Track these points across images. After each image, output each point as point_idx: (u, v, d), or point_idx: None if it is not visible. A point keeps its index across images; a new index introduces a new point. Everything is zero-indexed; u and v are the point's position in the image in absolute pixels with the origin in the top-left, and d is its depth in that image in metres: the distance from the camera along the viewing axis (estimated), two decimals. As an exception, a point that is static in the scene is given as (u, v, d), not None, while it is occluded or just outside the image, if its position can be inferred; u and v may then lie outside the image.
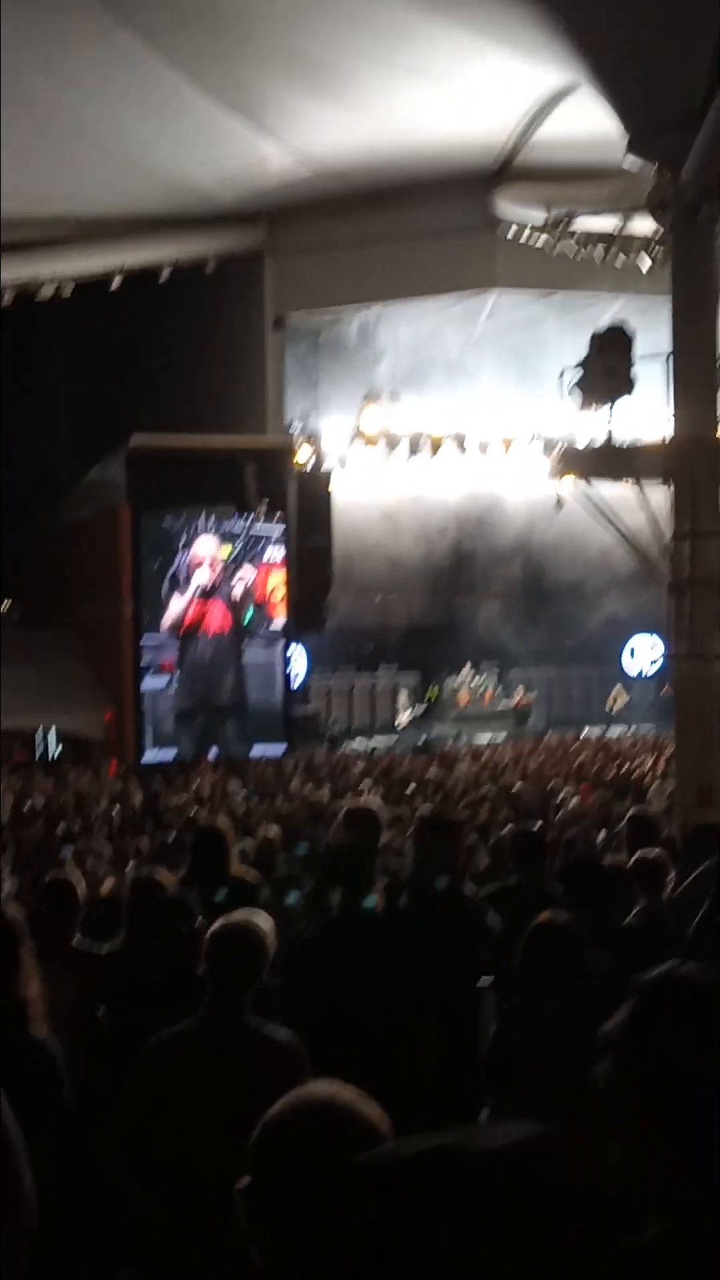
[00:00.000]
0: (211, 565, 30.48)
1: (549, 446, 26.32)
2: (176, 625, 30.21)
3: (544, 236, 29.53)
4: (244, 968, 4.43)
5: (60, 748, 31.40)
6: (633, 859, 6.90)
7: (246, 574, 31.07)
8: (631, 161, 17.72)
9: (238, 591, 30.84)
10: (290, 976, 5.66)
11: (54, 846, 13.72)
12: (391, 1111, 5.03)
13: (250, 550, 31.17)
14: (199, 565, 30.40)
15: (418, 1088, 5.29)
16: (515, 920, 5.78)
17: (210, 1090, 4.23)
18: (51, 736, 31.72)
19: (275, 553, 31.57)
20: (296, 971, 5.61)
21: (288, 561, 31.75)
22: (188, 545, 30.43)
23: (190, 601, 30.28)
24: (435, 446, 35.55)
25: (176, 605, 30.16)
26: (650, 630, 36.76)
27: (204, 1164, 4.17)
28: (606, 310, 31.58)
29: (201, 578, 30.36)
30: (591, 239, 28.13)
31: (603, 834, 13.26)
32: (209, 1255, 4.12)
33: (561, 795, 18.10)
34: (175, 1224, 4.29)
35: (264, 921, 4.59)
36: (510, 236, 30.83)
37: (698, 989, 2.30)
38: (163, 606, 30.13)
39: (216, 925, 4.54)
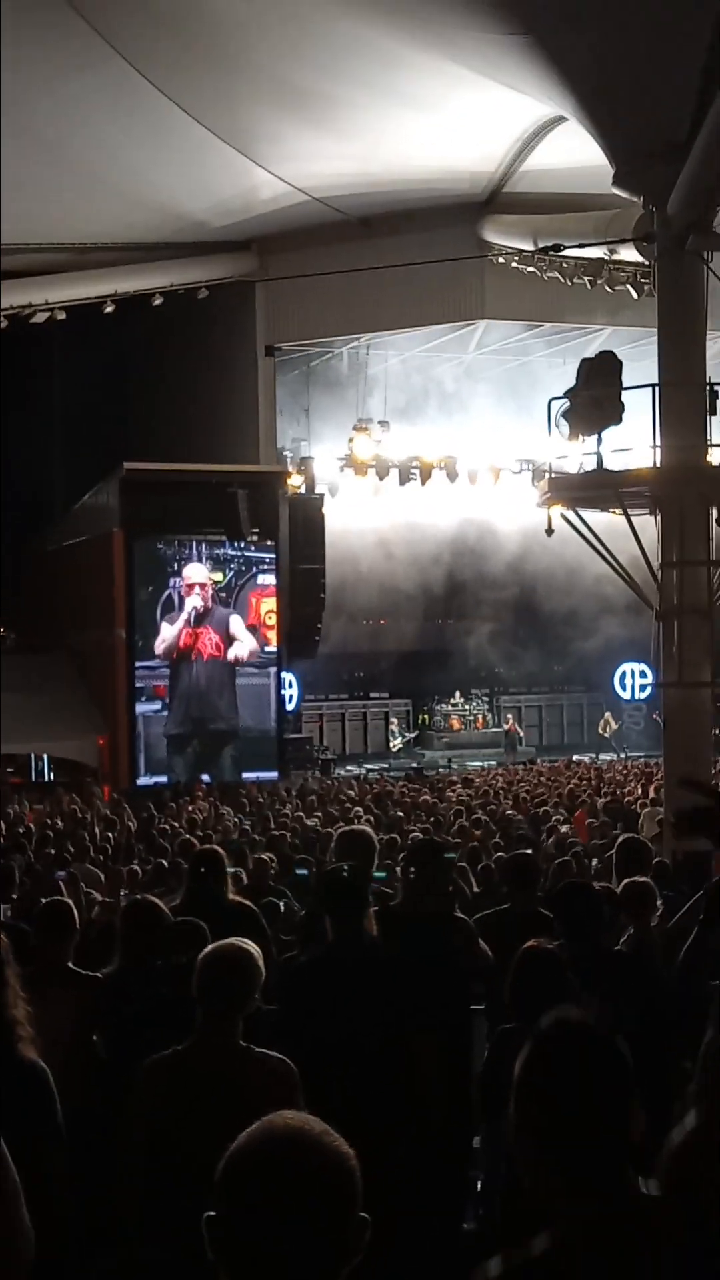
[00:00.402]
0: (204, 591, 30.55)
1: (538, 474, 26.42)
2: (169, 651, 30.26)
3: (532, 266, 29.73)
4: (235, 992, 4.44)
5: (54, 773, 31.41)
6: (621, 885, 6.98)
7: (240, 600, 31.15)
8: (618, 193, 17.92)
9: (229, 618, 30.90)
10: (286, 1001, 5.73)
11: (47, 871, 13.75)
12: (388, 1136, 5.12)
13: (243, 576, 31.26)
14: (192, 591, 30.48)
15: (413, 1113, 5.36)
16: (506, 946, 5.86)
17: (203, 1113, 4.27)
18: (45, 761, 31.74)
19: (268, 578, 31.66)
20: (292, 996, 5.68)
21: (279, 588, 31.83)
22: (180, 571, 30.51)
23: (183, 627, 30.34)
24: (426, 474, 35.72)
25: (169, 631, 30.22)
26: (640, 658, 36.85)
27: (196, 1188, 4.22)
28: (595, 339, 31.86)
29: (194, 603, 30.43)
30: (579, 269, 28.32)
31: (595, 861, 13.33)
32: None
33: (552, 821, 18.15)
34: (169, 1250, 4.33)
35: (252, 946, 4.64)
36: (499, 265, 31.04)
37: (580, 1034, 2.56)
38: (156, 632, 30.20)
39: (206, 950, 4.58)
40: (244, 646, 31.03)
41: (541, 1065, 2.53)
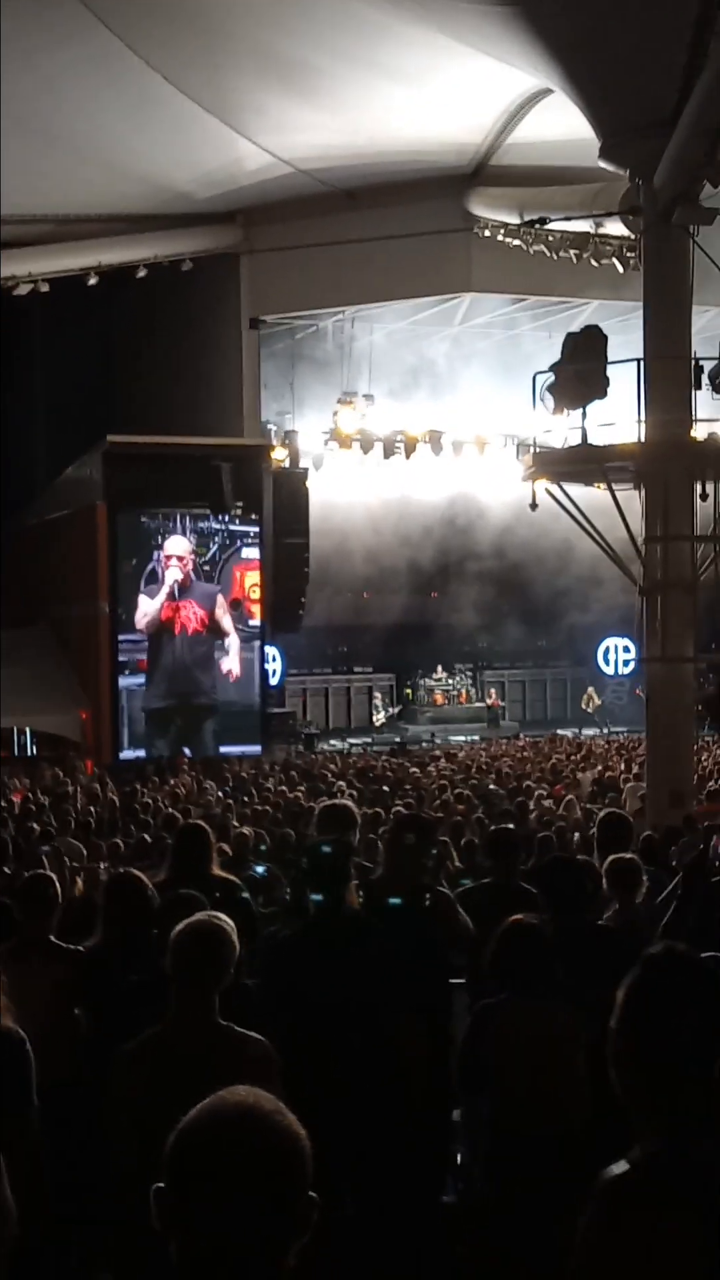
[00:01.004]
0: (183, 563, 30.47)
1: (523, 449, 26.39)
2: (150, 624, 30.21)
3: (518, 239, 29.65)
4: (211, 968, 4.40)
5: (36, 747, 31.38)
6: (606, 862, 6.98)
7: (224, 574, 31.13)
8: (605, 166, 17.86)
9: (210, 595, 30.86)
10: (267, 975, 5.73)
11: (29, 845, 13.74)
12: (369, 1109, 5.13)
13: (227, 550, 31.20)
14: (171, 563, 30.40)
15: (394, 1085, 5.37)
16: (488, 920, 5.87)
17: (183, 1097, 4.26)
18: (28, 736, 31.70)
19: (252, 552, 31.61)
20: (274, 970, 5.68)
21: (263, 562, 31.78)
22: (164, 544, 30.44)
23: (163, 600, 30.28)
24: (411, 448, 35.66)
25: (149, 605, 30.16)
26: (623, 633, 36.91)
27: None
28: (580, 313, 31.79)
29: (175, 576, 30.37)
30: (565, 243, 28.25)
31: (577, 836, 13.36)
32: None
33: (535, 796, 18.20)
34: (148, 1231, 4.32)
35: (226, 920, 4.61)
36: (485, 238, 30.96)
37: (692, 965, 2.76)
38: (138, 605, 30.15)
39: (182, 926, 4.54)
40: (228, 629, 31.04)
41: (653, 996, 2.70)
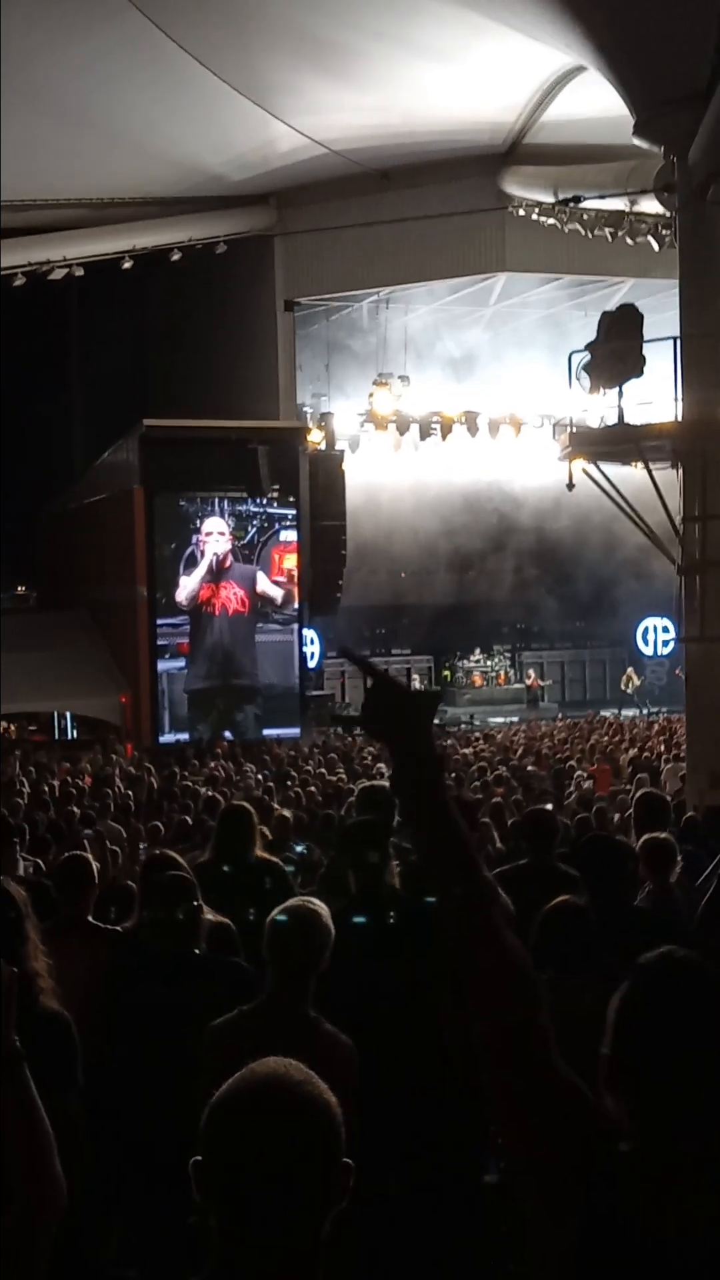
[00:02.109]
0: (222, 539, 30.57)
1: (559, 429, 26.31)
2: (191, 599, 30.34)
3: (552, 218, 29.50)
4: (306, 955, 4.42)
5: (77, 730, 31.55)
6: (640, 841, 6.95)
7: (263, 556, 31.24)
8: (639, 143, 17.74)
9: (252, 574, 30.97)
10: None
11: (70, 828, 13.81)
12: (412, 1090, 5.13)
13: (265, 533, 31.27)
14: (213, 547, 30.50)
15: (437, 1065, 5.38)
16: (526, 902, 5.86)
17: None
18: (69, 719, 31.87)
19: (290, 535, 31.66)
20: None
21: (300, 544, 31.81)
22: (202, 527, 30.54)
23: (204, 583, 30.39)
24: (446, 429, 35.57)
25: (189, 582, 30.28)
26: (663, 613, 36.76)
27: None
28: (616, 291, 31.61)
29: (214, 549, 30.47)
30: (600, 221, 28.08)
31: (616, 816, 13.33)
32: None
33: (575, 777, 18.17)
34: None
35: (321, 906, 4.62)
36: (519, 218, 30.83)
37: (690, 971, 2.38)
38: (178, 588, 30.27)
39: (278, 912, 4.56)
40: (274, 594, 31.13)
41: (643, 1006, 2.33)
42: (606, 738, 25.32)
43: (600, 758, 21.16)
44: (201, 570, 30.37)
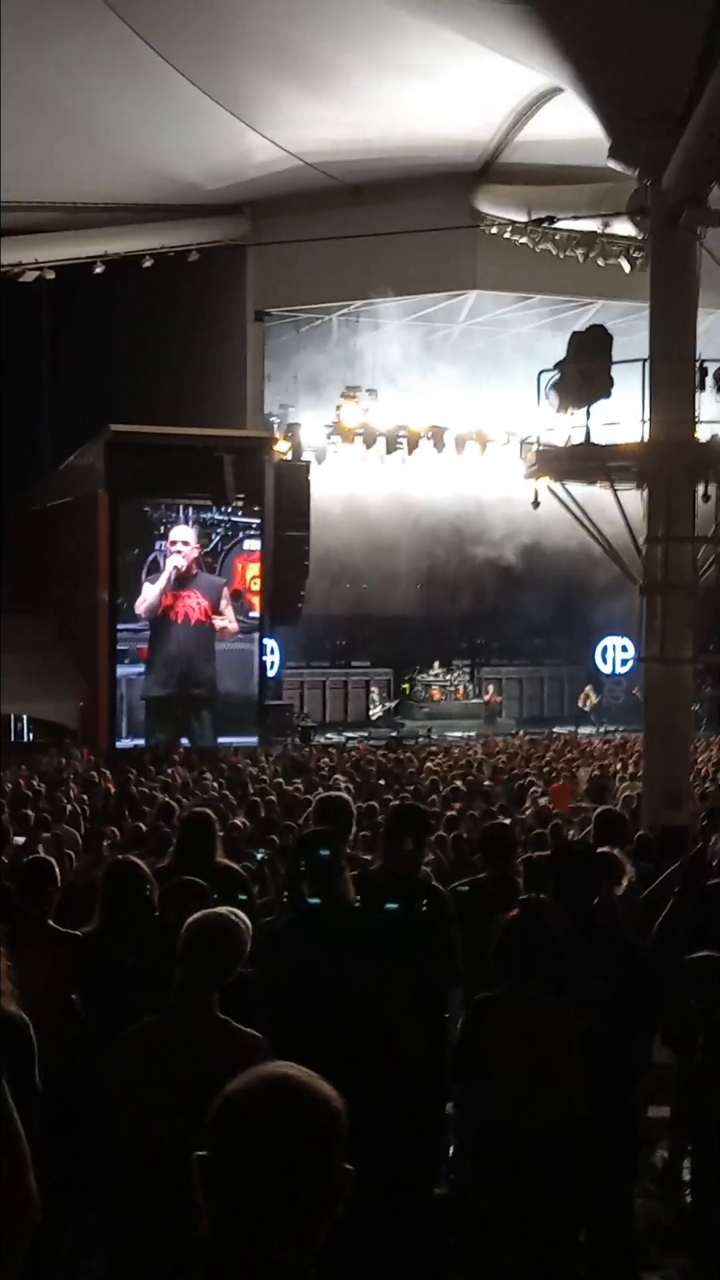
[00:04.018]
0: (189, 554, 30.56)
1: (526, 447, 26.41)
2: (150, 610, 30.31)
3: (525, 238, 29.66)
4: (220, 962, 4.44)
5: (33, 734, 31.40)
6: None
7: (225, 566, 31.24)
8: (614, 165, 17.85)
9: (216, 585, 30.97)
10: (261, 963, 5.75)
11: (28, 832, 13.75)
12: (362, 1098, 5.14)
13: (229, 541, 31.27)
14: (176, 554, 30.49)
15: (388, 1076, 5.39)
16: (482, 916, 5.89)
17: (175, 1082, 4.29)
18: (24, 721, 31.71)
19: (253, 544, 31.68)
20: (267, 958, 5.70)
21: (263, 554, 31.82)
22: (166, 534, 30.51)
23: (166, 590, 30.36)
24: (413, 443, 35.66)
25: (150, 591, 30.25)
26: (622, 632, 36.96)
27: (169, 1157, 4.24)
28: (586, 313, 31.80)
29: (176, 563, 30.45)
30: (572, 242, 28.24)
31: (572, 833, 13.38)
32: (173, 1246, 4.21)
33: (530, 793, 18.21)
34: (142, 1216, 4.35)
35: (242, 918, 4.63)
36: (491, 236, 30.98)
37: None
38: (139, 596, 30.24)
39: (196, 917, 4.56)
40: (227, 620, 31.10)
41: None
42: (569, 754, 25.40)
43: (563, 775, 21.22)
44: (161, 582, 30.35)
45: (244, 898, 6.68)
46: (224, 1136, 2.10)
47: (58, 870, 6.34)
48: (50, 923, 6.11)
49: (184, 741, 29.30)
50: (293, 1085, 2.14)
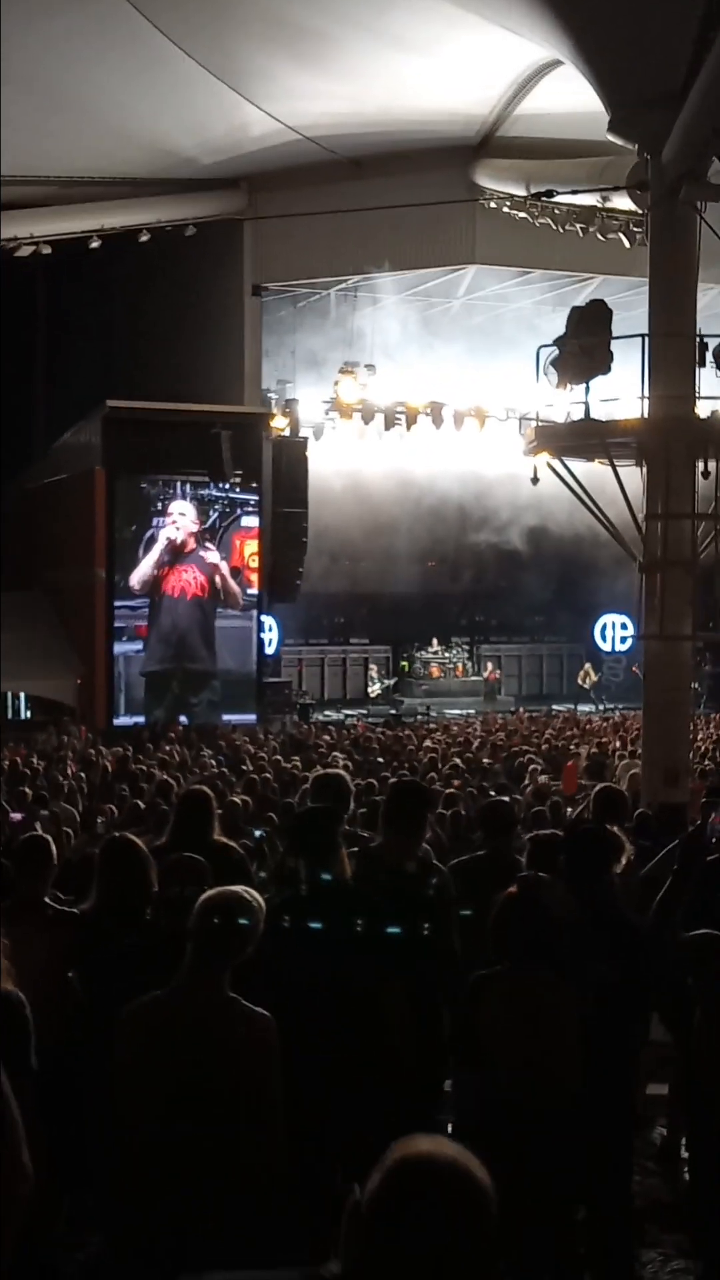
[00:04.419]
0: (185, 526, 30.50)
1: (525, 423, 26.33)
2: (144, 583, 30.27)
3: (524, 212, 29.53)
4: (233, 941, 4.42)
5: (30, 711, 31.39)
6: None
7: (224, 542, 31.20)
8: (613, 139, 17.75)
9: (214, 560, 30.92)
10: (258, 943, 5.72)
11: (25, 808, 13.74)
12: (358, 1081, 5.13)
13: (227, 518, 31.21)
14: (172, 525, 30.44)
15: (383, 1057, 5.38)
16: (481, 893, 5.87)
17: (185, 1060, 4.27)
18: (22, 700, 31.70)
19: (251, 520, 31.63)
20: (263, 939, 5.67)
21: (261, 530, 31.76)
22: (164, 510, 30.45)
23: (163, 566, 30.32)
24: (411, 419, 35.55)
25: (143, 571, 30.22)
26: (621, 610, 36.94)
27: (175, 1132, 4.23)
28: (585, 288, 31.68)
29: (169, 534, 30.40)
30: (571, 216, 28.10)
31: (570, 810, 13.38)
32: (177, 1224, 4.20)
33: (530, 771, 18.20)
34: (141, 1194, 4.34)
35: (254, 896, 4.60)
36: (490, 210, 30.84)
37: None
38: (136, 569, 30.23)
39: (209, 894, 4.54)
40: (234, 589, 31.12)
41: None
42: (569, 732, 25.40)
43: (567, 753, 21.19)
44: (154, 554, 30.30)
45: (242, 874, 6.67)
46: (403, 1199, 2.13)
47: (54, 848, 6.31)
48: (47, 900, 6.08)
49: (183, 720, 29.30)
50: (462, 1165, 2.17)
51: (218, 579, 30.88)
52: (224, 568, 30.96)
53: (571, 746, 22.38)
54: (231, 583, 31.09)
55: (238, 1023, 4.32)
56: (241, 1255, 4.17)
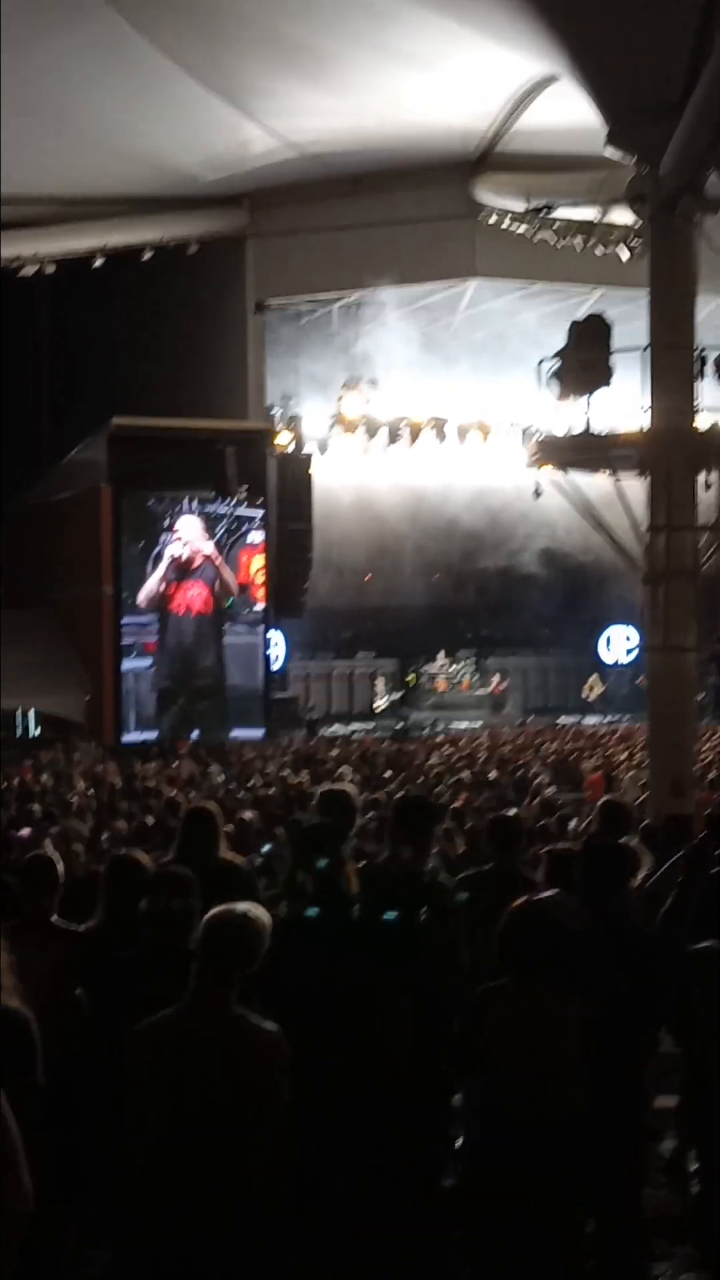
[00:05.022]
0: (190, 543, 30.54)
1: (527, 435, 26.40)
2: (150, 599, 30.31)
3: (523, 226, 29.60)
4: (238, 957, 4.44)
5: (39, 729, 31.41)
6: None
7: (230, 558, 31.23)
8: (611, 153, 17.80)
9: (221, 576, 30.94)
10: (264, 957, 5.74)
11: (37, 828, 13.78)
12: (363, 1091, 5.15)
13: (234, 534, 31.26)
14: (178, 541, 30.48)
15: (387, 1065, 5.39)
16: (489, 906, 5.88)
17: (194, 1078, 4.29)
18: (31, 717, 31.72)
19: (257, 536, 31.68)
20: (270, 953, 5.69)
21: (267, 546, 31.81)
22: (171, 527, 30.51)
23: (170, 582, 30.36)
24: (415, 434, 35.62)
25: (149, 588, 30.26)
26: (626, 621, 36.95)
27: (180, 1149, 4.25)
28: (586, 301, 31.74)
29: (174, 551, 30.44)
30: (571, 229, 28.17)
31: (573, 823, 13.40)
32: (186, 1240, 4.22)
33: (536, 784, 18.23)
34: (148, 1208, 4.35)
35: (262, 913, 4.63)
36: (490, 225, 30.92)
37: None
38: (144, 586, 30.27)
39: (214, 912, 4.56)
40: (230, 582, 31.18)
41: None
42: (576, 744, 25.40)
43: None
44: (160, 571, 30.35)
45: (248, 891, 6.69)
46: None
47: (60, 866, 6.34)
48: (52, 918, 6.11)
49: (194, 735, 29.33)
50: None
51: (216, 585, 30.88)
52: (220, 559, 30.90)
53: (585, 757, 22.40)
54: (228, 573, 31.03)
55: (246, 1038, 4.34)
56: (246, 1261, 4.20)
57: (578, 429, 18.00)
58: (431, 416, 35.71)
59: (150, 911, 5.36)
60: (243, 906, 4.59)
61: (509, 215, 30.03)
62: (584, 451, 17.95)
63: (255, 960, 4.48)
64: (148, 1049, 4.38)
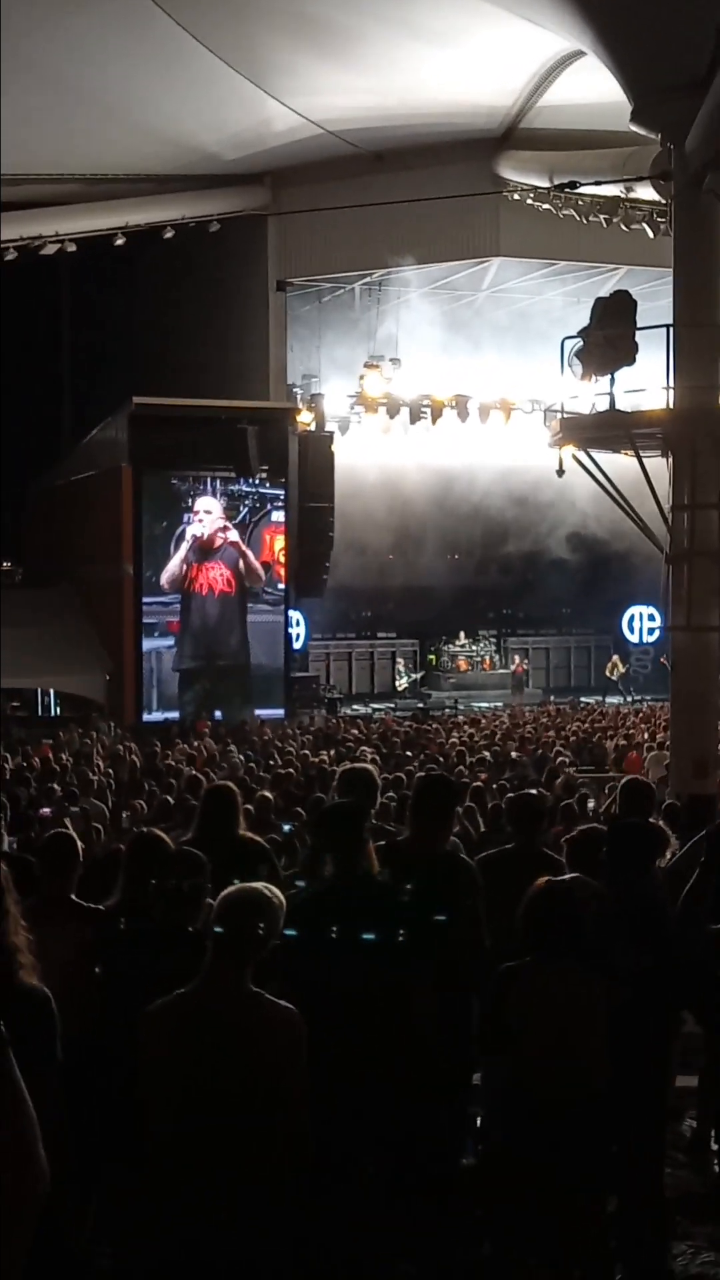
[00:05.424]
0: (210, 523, 30.53)
1: (550, 415, 26.25)
2: (173, 580, 30.31)
3: (547, 204, 29.45)
4: (253, 936, 4.41)
5: (60, 708, 31.49)
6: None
7: (255, 537, 31.22)
8: (636, 129, 17.69)
9: (246, 560, 30.93)
10: (284, 937, 5.72)
11: (56, 805, 13.81)
12: (385, 1073, 5.14)
13: (257, 513, 31.25)
14: (198, 522, 30.47)
15: (411, 1050, 5.38)
16: (510, 886, 5.85)
17: (210, 1057, 4.27)
18: (51, 696, 31.82)
19: (280, 515, 31.66)
20: (289, 930, 5.68)
21: (288, 525, 31.78)
22: (193, 506, 30.49)
23: (191, 564, 30.36)
24: (437, 412, 35.52)
25: (172, 569, 30.26)
26: (649, 601, 36.83)
27: (203, 1130, 4.24)
28: (610, 279, 31.59)
29: (195, 531, 30.43)
30: (595, 207, 28.01)
31: (592, 803, 13.37)
32: (200, 1221, 4.21)
33: (557, 763, 18.18)
34: (168, 1192, 4.34)
35: (276, 892, 4.61)
36: (514, 202, 30.77)
37: None
38: (166, 567, 30.29)
39: (230, 890, 4.55)
40: (257, 568, 31.18)
41: None
42: (599, 724, 25.33)
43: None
44: (182, 552, 30.34)
45: (268, 868, 6.68)
46: None
47: (80, 845, 6.33)
48: (72, 897, 6.11)
49: (217, 715, 29.36)
50: None
51: (241, 565, 30.88)
52: (244, 546, 30.92)
53: (607, 737, 22.35)
54: (253, 559, 31.05)
55: (262, 1017, 4.33)
56: (264, 1244, 4.19)
57: (601, 407, 17.92)
58: (453, 395, 35.60)
59: (159, 890, 5.36)
60: (258, 885, 4.57)
61: (533, 193, 29.88)
62: (607, 430, 17.88)
63: (270, 940, 4.46)
64: (163, 1028, 4.37)
